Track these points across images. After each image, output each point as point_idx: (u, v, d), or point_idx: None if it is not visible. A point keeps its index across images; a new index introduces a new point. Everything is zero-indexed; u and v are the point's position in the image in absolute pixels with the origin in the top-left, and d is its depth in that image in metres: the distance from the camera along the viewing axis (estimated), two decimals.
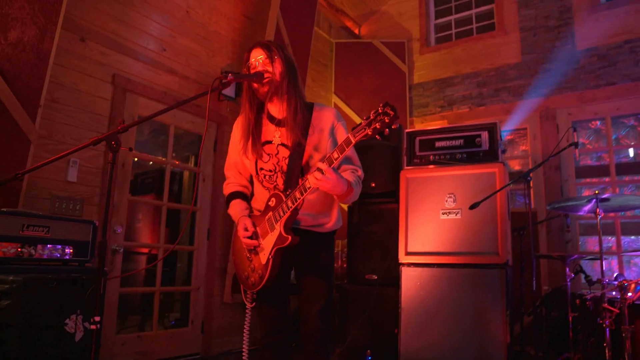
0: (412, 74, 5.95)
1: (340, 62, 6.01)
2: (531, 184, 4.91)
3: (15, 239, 2.44)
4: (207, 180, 4.29)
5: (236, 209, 2.15)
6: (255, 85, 1.98)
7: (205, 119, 2.01)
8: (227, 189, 2.25)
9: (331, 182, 1.79)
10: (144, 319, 4.81)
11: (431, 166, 3.73)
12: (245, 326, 2.19)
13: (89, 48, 3.45)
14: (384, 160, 3.99)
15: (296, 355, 2.21)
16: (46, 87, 2.95)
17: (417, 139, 3.85)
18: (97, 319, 1.53)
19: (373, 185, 3.95)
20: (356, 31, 6.45)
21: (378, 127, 1.64)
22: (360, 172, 2.07)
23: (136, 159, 5.79)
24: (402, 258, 3.61)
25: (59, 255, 2.62)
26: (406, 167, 3.80)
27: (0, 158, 2.73)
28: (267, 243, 1.96)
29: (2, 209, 2.47)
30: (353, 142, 1.72)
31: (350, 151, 2.00)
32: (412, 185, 3.69)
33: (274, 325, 2.14)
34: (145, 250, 5.31)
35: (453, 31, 5.97)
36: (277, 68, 1.98)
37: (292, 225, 1.94)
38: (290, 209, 1.88)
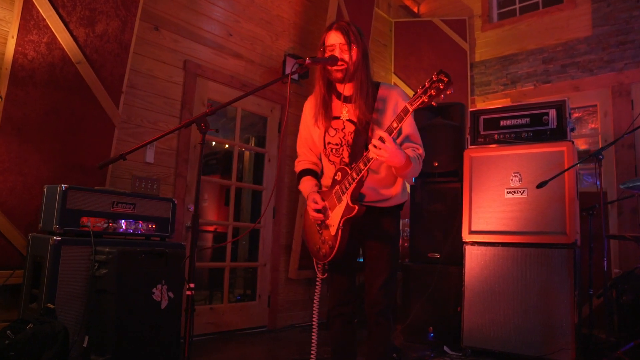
0: (474, 52, 5.83)
1: (400, 41, 5.97)
2: (602, 163, 4.77)
3: (107, 215, 2.68)
4: (272, 161, 4.45)
5: (306, 185, 2.25)
6: (330, 67, 2.05)
7: (286, 104, 2.08)
8: (299, 166, 2.35)
9: (390, 150, 1.82)
10: (211, 293, 5.10)
11: (495, 145, 3.68)
12: (315, 298, 2.31)
13: (162, 36, 3.65)
14: (447, 140, 3.98)
15: (359, 330, 2.30)
16: (127, 75, 3.16)
17: (481, 117, 3.80)
18: (192, 285, 1.67)
19: (436, 164, 3.96)
20: (415, 10, 6.37)
21: (434, 93, 1.71)
22: (421, 151, 2.12)
23: (213, 143, 6.08)
24: (466, 236, 3.62)
25: (143, 231, 2.85)
26: (470, 146, 3.78)
27: (91, 141, 2.99)
28: (336, 215, 2.04)
29: (95, 187, 2.72)
30: (411, 110, 1.79)
31: (411, 128, 2.10)
32: (476, 164, 3.68)
33: (344, 297, 2.23)
34: (211, 228, 5.60)
35: (517, 6, 5.76)
36: (353, 57, 2.04)
37: (357, 197, 2.02)
38: (355, 180, 1.95)
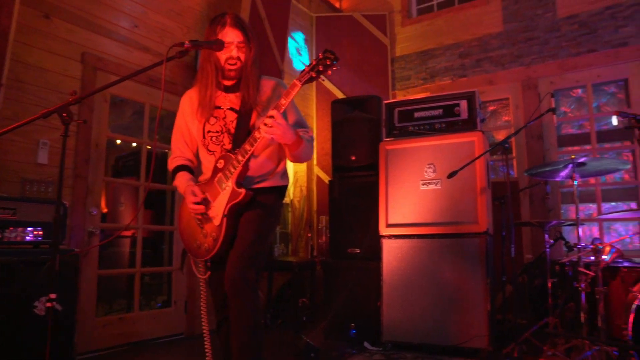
0: (394, 47, 5.87)
1: (321, 36, 5.91)
2: (514, 154, 4.95)
3: None
4: None
5: (181, 179, 2.15)
6: (223, 65, 2.01)
7: (161, 90, 1.92)
8: (173, 163, 2.23)
9: (282, 127, 1.85)
10: (129, 302, 4.80)
11: (411, 137, 3.69)
12: (201, 302, 2.15)
13: (55, 25, 3.35)
14: (364, 133, 3.95)
15: (275, 332, 2.17)
16: (7, 66, 2.86)
17: (396, 110, 3.80)
18: (53, 296, 1.48)
19: (353, 158, 3.92)
20: (337, 4, 6.33)
21: (321, 69, 1.80)
22: (311, 133, 2.14)
23: (119, 142, 5.71)
24: (383, 230, 3.59)
25: (28, 238, 2.57)
26: (385, 139, 3.76)
27: None
28: (220, 204, 1.96)
29: None
30: (299, 85, 1.83)
31: (298, 115, 2.12)
32: (392, 156, 3.66)
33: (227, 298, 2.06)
34: (129, 233, 5.28)
35: (435, 2, 5.87)
36: (250, 56, 2.04)
37: (243, 181, 1.97)
38: (241, 163, 1.93)
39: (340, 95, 5.63)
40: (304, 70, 1.83)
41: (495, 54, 5.23)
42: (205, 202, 2.00)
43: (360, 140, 3.96)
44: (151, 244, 4.94)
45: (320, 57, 1.81)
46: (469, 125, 3.56)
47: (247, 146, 1.92)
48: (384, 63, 5.77)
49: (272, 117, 1.83)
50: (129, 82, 3.74)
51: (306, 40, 5.88)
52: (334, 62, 1.79)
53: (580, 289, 2.83)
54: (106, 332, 3.51)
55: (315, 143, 4.98)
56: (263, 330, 2.01)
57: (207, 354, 2.14)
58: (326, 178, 5.20)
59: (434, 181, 3.50)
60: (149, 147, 4.02)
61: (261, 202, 2.05)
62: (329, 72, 1.81)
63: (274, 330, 4.25)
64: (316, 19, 5.93)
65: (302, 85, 1.83)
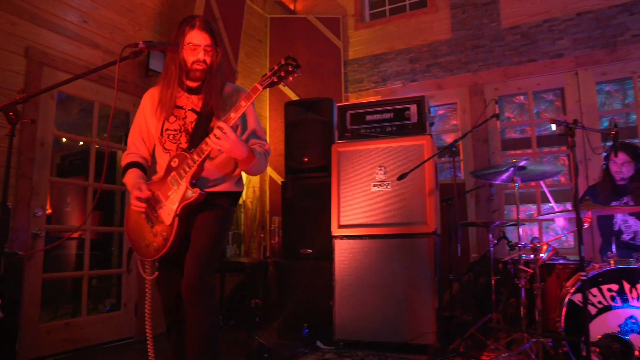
0: (347, 50, 5.97)
1: (275, 37, 5.93)
2: (461, 157, 5.15)
3: None
4: None
5: (131, 176, 2.11)
6: (190, 66, 2.01)
7: (115, 90, 1.89)
8: (126, 159, 2.19)
9: (230, 141, 1.84)
10: (76, 307, 4.65)
11: (362, 140, 3.78)
12: (146, 304, 2.12)
13: None
14: (316, 135, 4.01)
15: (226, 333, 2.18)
16: None
17: (348, 112, 3.88)
18: None
19: (306, 160, 3.97)
20: (291, 6, 6.37)
21: (283, 74, 1.83)
22: (267, 147, 2.14)
23: (65, 140, 5.51)
24: (335, 231, 3.66)
25: None
26: (337, 141, 3.84)
27: None
28: (172, 203, 1.95)
29: None
30: (260, 89, 1.84)
31: (256, 123, 2.13)
32: (344, 158, 3.74)
33: (178, 300, 2.04)
34: (76, 234, 5.10)
35: (387, 7, 6.01)
36: (216, 60, 2.05)
37: (197, 182, 1.96)
38: (197, 162, 1.92)
39: (293, 96, 5.67)
40: (265, 74, 1.85)
41: (444, 60, 5.42)
42: (154, 201, 1.99)
43: (313, 142, 4.02)
44: (99, 246, 4.80)
45: (283, 63, 1.83)
46: (419, 128, 3.68)
47: (203, 146, 1.91)
48: (337, 66, 5.86)
49: (220, 128, 1.82)
50: (79, 79, 3.63)
51: (259, 41, 5.88)
52: (296, 69, 1.82)
53: (520, 285, 3.00)
54: (51, 338, 3.39)
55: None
56: (219, 335, 2.03)
57: (150, 358, 2.11)
58: (279, 179, 5.22)
59: (385, 183, 3.61)
60: (97, 146, 3.91)
61: (216, 205, 2.06)
62: (290, 78, 1.84)
63: (227, 331, 4.24)
64: (270, 20, 5.95)
65: (263, 89, 1.85)
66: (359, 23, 5.98)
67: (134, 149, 2.19)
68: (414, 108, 3.73)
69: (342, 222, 3.67)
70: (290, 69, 1.82)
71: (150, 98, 2.16)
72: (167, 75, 2.06)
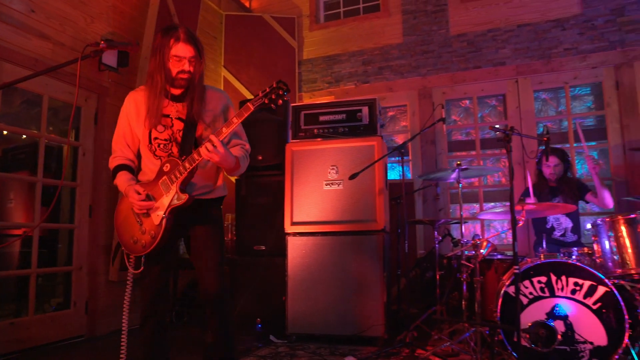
0: (302, 50, 6.07)
1: (231, 35, 5.95)
2: (410, 157, 5.36)
3: None
4: (87, 155, 4.08)
5: (123, 179, 2.21)
6: (174, 75, 2.11)
7: (76, 87, 1.91)
8: (113, 162, 2.29)
9: (221, 155, 2.00)
10: (20, 306, 4.50)
11: (316, 139, 3.89)
12: (125, 297, 2.19)
13: None
14: (271, 134, 4.09)
15: (179, 330, 2.26)
16: None
17: (302, 113, 3.99)
18: None
19: (260, 158, 4.04)
20: (247, 4, 6.40)
21: (274, 97, 1.97)
22: (247, 147, 2.32)
23: (5, 132, 5.30)
24: (288, 228, 3.77)
25: None
26: (291, 140, 3.94)
27: None
28: (162, 204, 2.08)
29: None
30: (252, 109, 1.98)
31: (238, 127, 2.22)
32: (297, 157, 3.84)
33: (161, 292, 2.21)
34: (19, 231, 4.93)
35: (341, 9, 6.15)
36: (199, 70, 2.16)
37: (186, 187, 2.10)
38: (188, 170, 2.05)
39: (248, 94, 5.72)
40: (258, 95, 1.99)
41: (395, 64, 5.63)
42: (149, 199, 2.10)
43: (267, 140, 4.10)
44: (45, 243, 4.68)
45: (274, 86, 1.97)
46: (370, 130, 3.84)
47: (195, 155, 2.04)
48: (292, 65, 5.95)
49: (211, 142, 1.97)
50: (26, 70, 3.55)
51: (214, 38, 5.88)
52: (286, 92, 1.97)
53: (462, 279, 3.21)
54: None
55: None
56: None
57: (122, 352, 2.16)
58: (233, 177, 5.26)
59: (337, 182, 3.74)
60: (47, 141, 3.82)
61: (214, 214, 2.29)
62: (280, 101, 1.98)
63: (180, 328, 4.25)
64: (225, 17, 5.96)
65: (254, 110, 1.98)
66: (314, 24, 6.09)
67: (120, 152, 2.28)
68: (365, 110, 3.88)
69: (295, 220, 3.78)
70: (280, 93, 1.96)
71: (133, 103, 2.23)
72: (152, 84, 2.14)
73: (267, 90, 1.98)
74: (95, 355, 3.51)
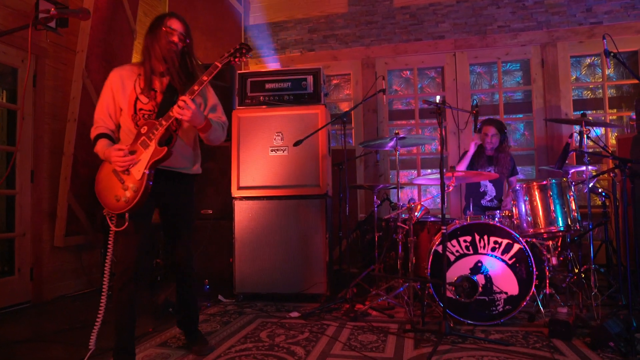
0: (248, 16, 6.05)
1: None
2: (353, 125, 5.57)
3: None
4: (27, 119, 3.97)
5: (102, 144, 2.33)
6: (167, 51, 2.29)
7: (28, 57, 1.92)
8: (95, 132, 2.40)
9: (191, 111, 2.18)
10: None
11: (262, 107, 4.00)
12: (107, 255, 2.28)
13: None
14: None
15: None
16: None
17: (249, 80, 4.06)
18: None
19: None
20: None
21: (238, 56, 2.27)
22: (224, 119, 2.55)
23: None
24: (235, 192, 3.90)
25: None
26: (238, 107, 4.02)
27: None
28: (143, 160, 2.21)
29: None
30: (219, 66, 2.22)
31: (216, 100, 2.53)
32: (244, 124, 3.94)
33: (143, 254, 2.31)
34: None
35: None
36: (185, 46, 2.36)
37: (164, 142, 2.23)
38: (164, 126, 2.21)
39: None
40: (224, 55, 2.26)
41: (340, 33, 5.75)
42: (130, 155, 2.22)
43: None
44: None
45: (238, 47, 2.27)
46: (314, 98, 3.98)
47: (170, 113, 2.21)
48: (238, 31, 5.94)
49: (184, 100, 2.17)
50: None
51: (158, 0, 5.73)
52: (248, 52, 2.28)
53: (398, 240, 3.49)
54: None
55: None
56: None
57: (100, 309, 2.24)
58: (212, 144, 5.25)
59: (282, 148, 3.88)
60: None
61: (189, 189, 2.54)
62: (244, 59, 2.29)
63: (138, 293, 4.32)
64: None
65: (221, 67, 2.22)
66: None
67: (102, 122, 2.38)
68: (310, 79, 4.01)
69: (242, 184, 3.91)
70: (244, 52, 2.27)
71: (119, 77, 2.37)
72: (145, 59, 2.36)
73: (232, 50, 2.27)
74: (41, 319, 3.54)
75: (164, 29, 2.32)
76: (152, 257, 4.34)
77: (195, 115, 2.22)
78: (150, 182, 2.20)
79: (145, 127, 2.25)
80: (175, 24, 2.35)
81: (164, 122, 2.22)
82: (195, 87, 2.21)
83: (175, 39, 2.32)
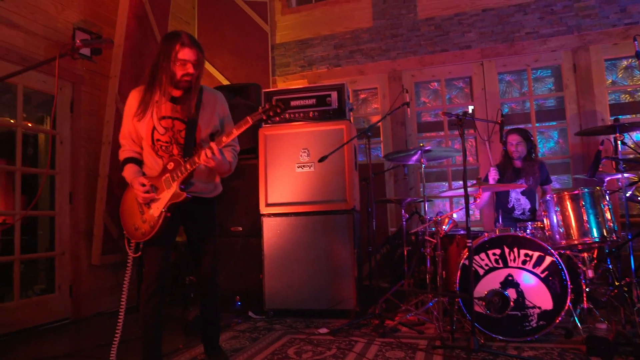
0: (275, 34, 6.16)
1: (203, 19, 6.00)
2: (381, 138, 5.55)
3: None
4: (65, 143, 4.16)
5: (130, 171, 2.43)
6: (179, 77, 2.28)
7: (55, 85, 2.02)
8: (122, 154, 2.50)
9: (217, 162, 2.25)
10: (3, 292, 4.60)
11: (287, 124, 4.05)
12: (125, 278, 2.38)
13: None
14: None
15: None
16: None
17: (274, 98, 4.13)
18: None
19: None
20: None
21: (271, 114, 2.22)
22: (237, 148, 2.58)
23: None
24: (263, 209, 3.94)
25: None
26: (264, 125, 4.09)
27: None
28: (163, 198, 2.31)
29: None
30: (250, 122, 2.22)
31: (231, 126, 2.49)
32: (270, 141, 4.00)
33: (164, 269, 2.39)
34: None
35: None
36: (200, 72, 2.35)
37: (186, 186, 2.32)
38: (189, 171, 2.28)
39: (221, 78, 5.81)
40: (258, 111, 2.23)
41: (366, 47, 5.77)
42: (153, 190, 2.32)
43: None
44: (25, 231, 4.76)
45: (274, 103, 2.22)
46: (339, 114, 4.00)
47: (195, 159, 2.27)
48: (265, 49, 6.04)
49: (211, 149, 2.20)
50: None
51: (187, 23, 5.93)
52: (284, 111, 2.22)
53: (426, 254, 3.44)
54: None
55: None
56: None
57: (118, 328, 2.35)
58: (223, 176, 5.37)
59: (308, 164, 3.92)
60: (24, 130, 3.89)
61: (213, 209, 2.60)
62: (277, 118, 2.37)
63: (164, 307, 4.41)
64: (198, 2, 6.00)
65: (252, 123, 2.21)
66: (286, 8, 6.17)
67: (128, 146, 2.49)
68: (334, 95, 4.04)
69: (270, 201, 3.95)
70: (278, 111, 2.21)
71: (134, 103, 2.41)
72: (155, 82, 2.33)
73: (267, 106, 2.22)
74: (80, 335, 3.67)
75: (178, 62, 2.27)
76: (185, 274, 4.42)
77: (221, 164, 2.29)
78: (168, 214, 2.28)
79: (172, 164, 2.33)
80: (188, 54, 2.27)
81: (189, 167, 2.28)
82: (224, 139, 2.24)
83: (190, 69, 2.28)
